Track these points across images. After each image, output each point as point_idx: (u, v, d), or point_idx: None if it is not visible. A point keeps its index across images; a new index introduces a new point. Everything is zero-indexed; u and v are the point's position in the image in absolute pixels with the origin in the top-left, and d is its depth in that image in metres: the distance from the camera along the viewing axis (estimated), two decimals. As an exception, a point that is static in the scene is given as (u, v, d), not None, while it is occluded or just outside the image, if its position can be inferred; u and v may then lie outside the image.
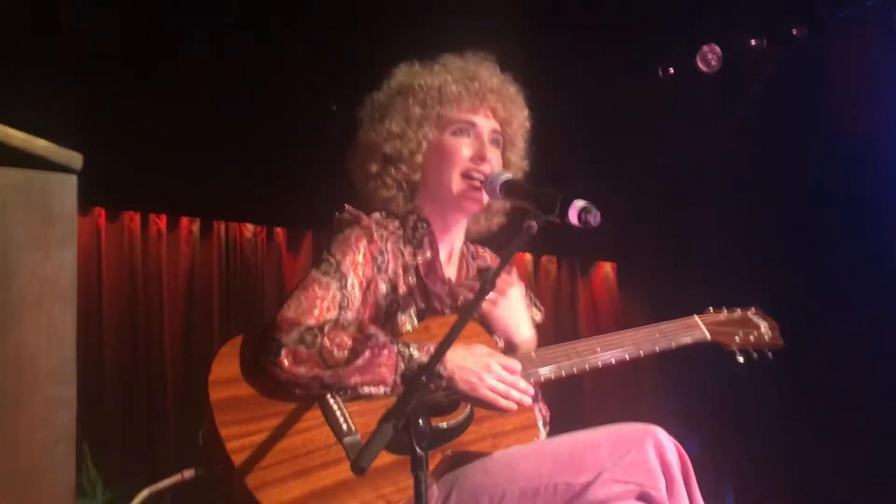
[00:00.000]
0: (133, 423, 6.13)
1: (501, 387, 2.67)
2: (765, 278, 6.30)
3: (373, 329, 2.62)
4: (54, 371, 1.92)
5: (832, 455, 6.45)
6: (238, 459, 2.45)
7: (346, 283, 2.71)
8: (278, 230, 6.82)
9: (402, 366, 2.57)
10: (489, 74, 2.98)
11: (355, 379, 2.54)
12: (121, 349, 6.21)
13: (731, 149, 6.67)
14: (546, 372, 2.79)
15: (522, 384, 2.71)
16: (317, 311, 2.62)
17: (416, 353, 2.59)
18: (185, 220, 6.55)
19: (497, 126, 2.98)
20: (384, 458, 2.46)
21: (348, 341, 2.55)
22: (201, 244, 6.59)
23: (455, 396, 2.66)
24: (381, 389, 2.58)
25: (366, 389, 2.57)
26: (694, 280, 6.28)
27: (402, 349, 2.58)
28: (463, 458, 2.61)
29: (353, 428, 2.55)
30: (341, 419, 2.55)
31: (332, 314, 2.64)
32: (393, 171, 2.91)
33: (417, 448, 2.07)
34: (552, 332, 7.17)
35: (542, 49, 5.52)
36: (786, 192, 6.70)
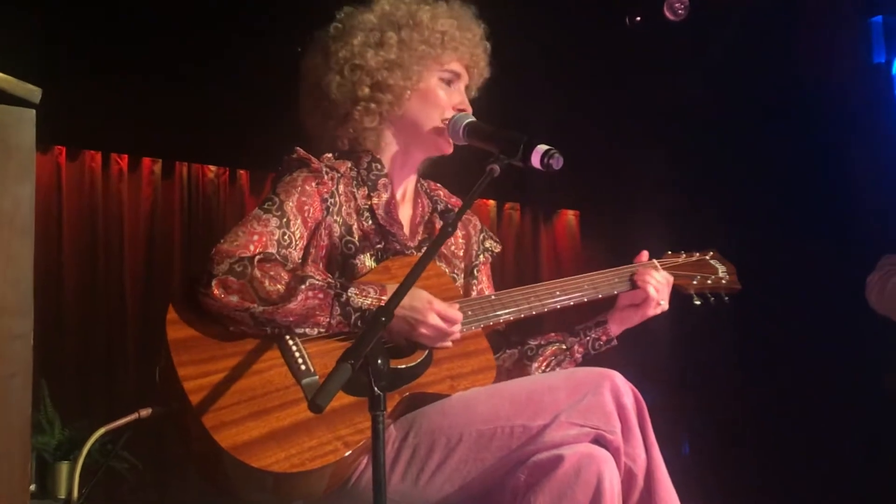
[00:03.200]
0: (93, 362, 6.12)
1: (436, 335, 2.64)
2: (726, 229, 6.33)
3: (311, 270, 2.59)
4: (10, 304, 1.92)
5: (789, 404, 6.52)
6: (195, 399, 2.44)
7: (289, 223, 2.69)
8: (241, 172, 6.78)
9: (336, 309, 2.54)
10: (478, 28, 2.98)
11: (288, 318, 2.52)
12: (81, 288, 6.19)
13: (698, 97, 6.67)
14: (505, 314, 2.80)
15: (457, 335, 2.68)
16: (252, 246, 2.58)
17: (353, 296, 2.56)
18: (146, 161, 6.51)
19: (468, 80, 2.99)
20: (342, 399, 2.46)
21: (285, 276, 2.52)
22: (163, 185, 6.55)
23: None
24: (315, 331, 2.58)
25: (299, 330, 2.57)
26: (655, 227, 6.31)
27: (338, 291, 2.56)
28: (420, 400, 2.62)
29: (312, 368, 2.55)
30: (300, 360, 2.55)
31: (270, 250, 2.61)
32: (381, 99, 2.87)
33: (375, 388, 2.08)
34: (514, 278, 7.21)
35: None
36: (751, 140, 6.71)
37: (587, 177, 6.87)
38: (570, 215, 7.82)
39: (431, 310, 2.60)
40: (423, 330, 2.61)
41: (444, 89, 2.91)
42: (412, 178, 3.03)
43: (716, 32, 6.61)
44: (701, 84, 6.64)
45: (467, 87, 3.00)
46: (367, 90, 2.86)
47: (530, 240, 7.65)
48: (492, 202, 7.44)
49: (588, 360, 2.99)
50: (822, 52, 6.60)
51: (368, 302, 2.57)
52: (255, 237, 2.62)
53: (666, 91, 6.58)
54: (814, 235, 6.44)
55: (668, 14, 6.35)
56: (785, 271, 6.46)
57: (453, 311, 2.65)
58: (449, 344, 2.66)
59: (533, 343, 3.02)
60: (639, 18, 6.50)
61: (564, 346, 3.00)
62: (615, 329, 3.02)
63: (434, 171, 3.11)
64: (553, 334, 3.04)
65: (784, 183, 6.64)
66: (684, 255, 3.15)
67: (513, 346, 3.03)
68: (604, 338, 3.01)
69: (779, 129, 6.63)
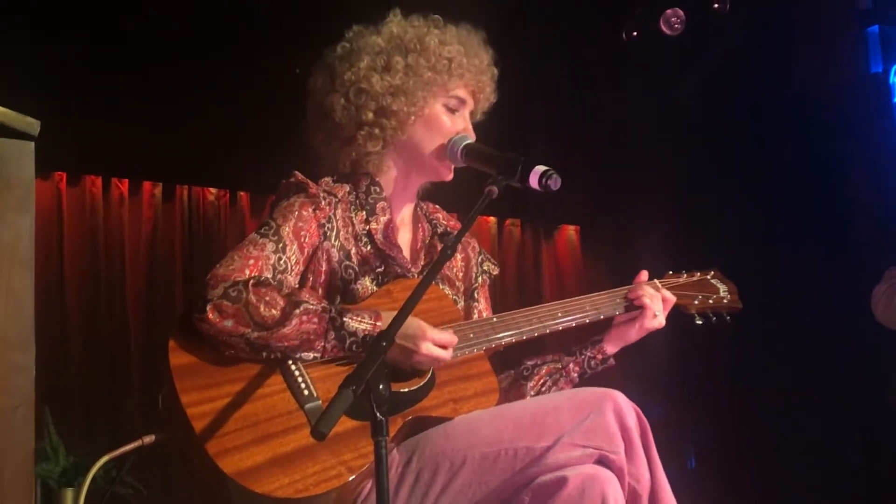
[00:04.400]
0: (96, 388, 6.11)
1: (431, 363, 2.64)
2: (726, 241, 6.35)
3: (306, 295, 2.59)
4: (12, 337, 1.93)
5: (794, 421, 6.52)
6: (198, 426, 2.44)
7: (285, 248, 2.68)
8: (242, 194, 6.77)
9: (332, 333, 2.54)
10: (485, 53, 2.96)
11: (283, 343, 2.52)
12: (83, 314, 6.18)
13: (695, 113, 6.69)
14: (507, 336, 2.80)
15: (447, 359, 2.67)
16: (247, 271, 2.58)
17: (348, 321, 2.56)
18: (147, 185, 6.50)
19: (473, 106, 2.98)
20: (345, 423, 2.46)
21: (280, 301, 2.52)
22: (164, 208, 6.55)
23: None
24: (311, 356, 2.57)
25: (295, 355, 2.56)
26: (657, 244, 6.31)
27: (333, 316, 2.55)
28: (424, 424, 2.62)
29: (315, 394, 2.55)
30: (303, 385, 2.55)
31: (266, 275, 2.61)
32: (385, 124, 2.86)
33: (377, 413, 2.08)
34: (516, 294, 7.23)
35: (506, 12, 5.51)
36: (750, 153, 6.73)
37: (588, 192, 6.89)
38: (571, 231, 7.81)
39: (425, 339, 2.59)
40: (419, 358, 2.60)
41: (448, 116, 2.90)
42: (412, 203, 3.03)
43: (712, 45, 6.64)
44: (699, 97, 6.67)
45: (472, 113, 2.99)
46: (371, 115, 2.85)
47: (531, 256, 7.64)
48: (492, 219, 7.44)
49: (585, 380, 2.99)
50: (819, 63, 6.63)
51: (364, 327, 2.56)
52: (251, 261, 2.61)
53: (665, 106, 6.60)
54: (814, 246, 6.46)
55: (664, 29, 6.38)
56: (786, 283, 6.48)
57: (447, 335, 2.64)
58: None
59: (529, 363, 3.01)
60: (635, 34, 6.53)
61: (560, 366, 2.99)
62: (611, 348, 3.00)
63: (433, 187, 3.10)
64: (549, 354, 3.03)
65: (784, 195, 6.66)
66: (685, 275, 3.14)
67: (510, 365, 3.02)
68: (600, 356, 2.99)
69: (778, 140, 6.65)
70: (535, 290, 7.45)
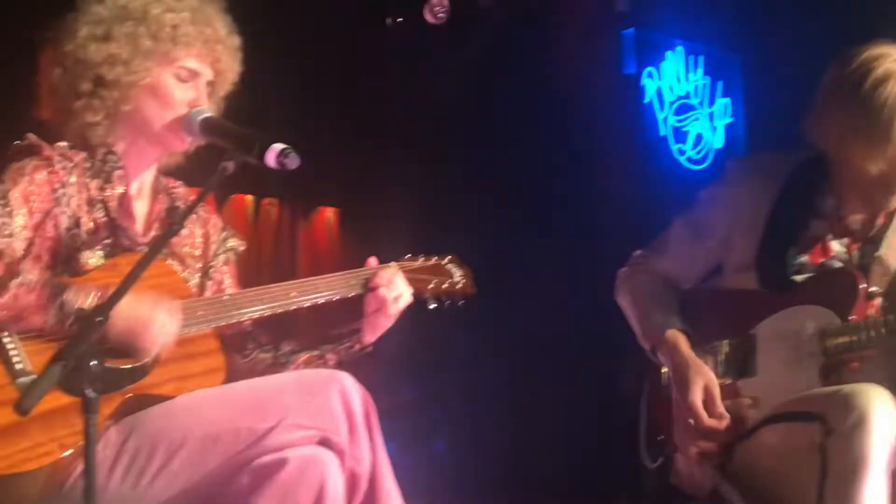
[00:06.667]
0: None
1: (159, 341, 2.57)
2: (481, 230, 6.46)
3: (28, 266, 2.51)
4: None
5: (539, 406, 6.70)
6: None
7: (11, 213, 2.58)
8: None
9: (51, 310, 2.45)
10: (221, 23, 2.88)
11: None
12: None
13: (454, 102, 6.77)
14: (238, 314, 2.74)
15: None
16: None
17: (70, 297, 2.47)
18: None
19: (213, 77, 2.90)
20: (60, 399, 2.37)
21: None
22: None
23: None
24: (32, 331, 2.48)
25: (11, 328, 2.46)
26: (412, 228, 6.36)
27: (55, 292, 2.47)
28: (145, 402, 2.55)
29: (30, 368, 2.45)
30: (16, 358, 2.44)
31: None
32: (105, 95, 2.75)
33: (87, 390, 2.02)
34: (271, 275, 7.13)
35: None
36: (506, 148, 6.86)
37: (348, 174, 6.88)
38: (330, 212, 7.79)
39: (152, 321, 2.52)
40: (145, 342, 2.53)
41: (178, 86, 2.81)
42: (149, 174, 2.93)
43: (475, 37, 6.74)
44: (460, 87, 6.75)
45: (213, 85, 2.92)
46: (89, 85, 2.75)
47: (288, 236, 7.58)
48: (249, 197, 7.34)
49: (345, 367, 2.97)
50: (577, 61, 6.82)
51: (88, 302, 2.48)
52: None
53: (425, 93, 6.65)
54: (566, 238, 6.64)
55: (428, 17, 6.42)
56: (536, 271, 6.64)
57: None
58: None
59: (286, 348, 2.96)
60: (399, 20, 6.55)
61: (317, 353, 2.97)
62: (369, 336, 2.97)
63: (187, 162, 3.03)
64: (307, 340, 3.01)
65: (537, 187, 6.81)
66: (422, 259, 3.16)
67: (265, 349, 2.97)
68: (357, 345, 2.97)
69: (533, 135, 6.80)
70: (291, 270, 7.39)
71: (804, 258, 3.21)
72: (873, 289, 3.12)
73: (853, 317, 3.08)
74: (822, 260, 3.21)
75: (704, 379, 3.17)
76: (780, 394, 3.10)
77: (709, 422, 3.14)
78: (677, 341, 3.26)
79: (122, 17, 2.78)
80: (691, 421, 3.16)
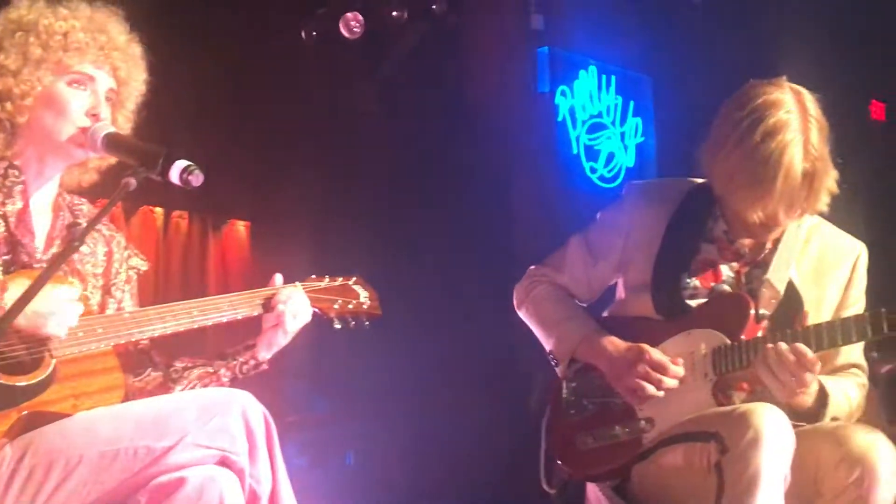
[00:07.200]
0: None
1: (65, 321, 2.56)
2: (384, 243, 6.47)
3: None
4: None
5: (451, 422, 6.72)
6: None
7: None
8: None
9: None
10: (118, 31, 2.86)
11: None
12: None
13: (369, 116, 6.78)
14: (139, 332, 2.71)
15: None
16: None
17: None
18: None
19: (115, 85, 2.87)
20: (-44, 415, 2.34)
21: None
22: None
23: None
24: None
25: None
26: (323, 241, 6.35)
27: None
28: (42, 419, 2.50)
29: None
30: None
31: None
32: None
33: (-22, 408, 1.99)
34: (180, 289, 7.08)
35: (179, 9, 5.40)
36: (418, 164, 6.87)
37: (260, 189, 6.85)
38: (241, 225, 7.75)
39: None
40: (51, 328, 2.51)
41: (73, 94, 2.78)
42: (51, 188, 2.89)
43: (389, 53, 6.76)
44: (373, 103, 6.76)
45: (118, 94, 2.89)
46: None
47: (198, 249, 7.53)
48: (159, 210, 7.28)
49: (240, 384, 2.95)
50: (491, 79, 6.87)
51: None
52: None
53: (339, 108, 6.65)
54: (478, 254, 6.67)
55: (343, 32, 6.43)
56: (448, 288, 6.66)
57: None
58: None
59: (179, 365, 2.94)
60: (315, 33, 6.55)
61: (211, 370, 2.95)
62: (264, 353, 2.97)
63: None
64: (201, 357, 2.99)
65: (450, 204, 6.84)
66: (328, 279, 3.16)
67: (157, 367, 2.95)
68: (252, 361, 2.97)
69: (446, 151, 6.83)
70: (201, 283, 7.34)
71: (696, 281, 3.28)
72: (762, 311, 3.20)
73: (742, 338, 3.15)
74: (712, 284, 3.28)
75: (645, 349, 3.21)
76: (675, 414, 3.15)
77: (675, 369, 3.17)
78: (603, 334, 3.32)
79: (12, 29, 2.76)
80: (652, 376, 3.17)
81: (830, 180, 3.05)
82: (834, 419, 3.13)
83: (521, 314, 3.61)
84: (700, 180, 3.32)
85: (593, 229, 3.52)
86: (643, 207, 3.38)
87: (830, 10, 6.18)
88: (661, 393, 3.16)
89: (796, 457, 2.92)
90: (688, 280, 3.27)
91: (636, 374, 3.18)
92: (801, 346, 2.98)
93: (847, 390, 3.20)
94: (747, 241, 3.27)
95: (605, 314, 3.52)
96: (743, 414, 2.92)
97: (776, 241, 3.25)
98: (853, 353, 3.28)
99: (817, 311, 3.21)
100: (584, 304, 3.55)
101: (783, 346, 2.99)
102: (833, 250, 3.29)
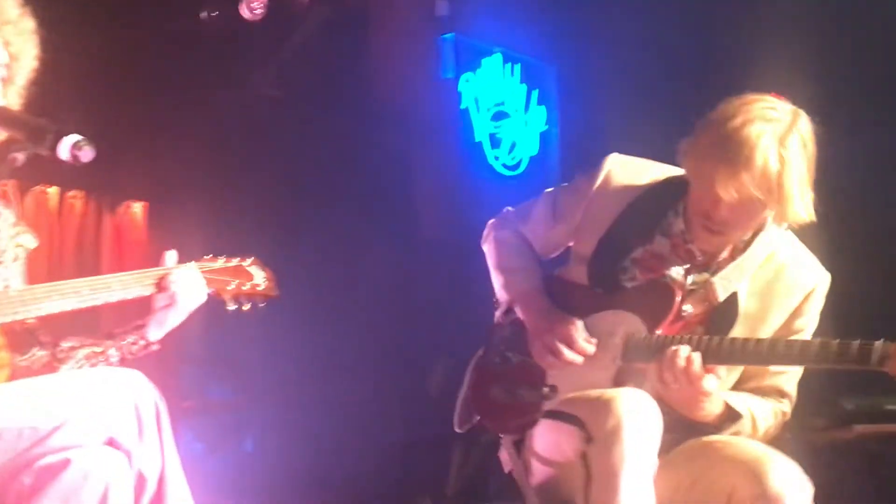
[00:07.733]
0: None
1: None
2: (285, 227, 6.43)
3: None
4: None
5: (352, 407, 6.70)
6: None
7: None
8: None
9: None
10: (10, 3, 2.80)
11: None
12: None
13: (270, 100, 6.72)
14: (25, 311, 2.65)
15: None
16: None
17: None
18: None
19: (6, 60, 2.81)
20: None
21: None
22: None
23: None
24: None
25: None
26: (222, 224, 6.28)
27: None
28: (-78, 402, 2.44)
29: None
30: None
31: None
32: None
33: None
34: (75, 269, 6.93)
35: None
36: (320, 148, 6.83)
37: (157, 170, 6.74)
38: (138, 206, 7.62)
39: None
40: None
41: None
42: None
43: (291, 35, 6.70)
44: (273, 86, 6.69)
45: (9, 69, 2.82)
46: None
47: (93, 230, 7.37)
48: (53, 189, 7.12)
49: (131, 365, 2.89)
50: (395, 64, 6.85)
51: None
52: None
53: (238, 90, 6.58)
54: (380, 239, 6.65)
55: (244, 12, 6.34)
56: (349, 272, 6.64)
57: None
58: None
59: (66, 345, 2.88)
60: (215, 13, 6.45)
61: (99, 350, 2.89)
62: (154, 333, 2.93)
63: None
64: (89, 338, 2.93)
65: (352, 189, 6.81)
66: (223, 260, 3.13)
67: (44, 346, 2.88)
68: (142, 342, 2.93)
69: (349, 136, 6.80)
70: (95, 265, 7.19)
71: (636, 270, 3.26)
72: (687, 307, 3.18)
73: (659, 332, 3.14)
74: (651, 277, 3.23)
75: (571, 320, 3.22)
76: (575, 389, 3.13)
77: (581, 344, 3.18)
78: (541, 294, 3.36)
79: None
80: (560, 346, 3.19)
81: (805, 192, 2.97)
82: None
83: (484, 247, 3.63)
84: (682, 171, 3.22)
85: (563, 190, 3.51)
86: (612, 181, 3.34)
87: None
88: (564, 364, 3.17)
89: (704, 480, 2.97)
90: (629, 266, 3.25)
91: (547, 341, 3.20)
92: (694, 356, 2.96)
93: (758, 416, 3.18)
94: (704, 248, 3.20)
95: (555, 272, 3.51)
96: (606, 401, 2.92)
97: (733, 254, 3.20)
98: (784, 378, 3.24)
99: (752, 332, 3.14)
100: (543, 258, 3.56)
101: (685, 349, 2.98)
102: (790, 276, 3.21)
